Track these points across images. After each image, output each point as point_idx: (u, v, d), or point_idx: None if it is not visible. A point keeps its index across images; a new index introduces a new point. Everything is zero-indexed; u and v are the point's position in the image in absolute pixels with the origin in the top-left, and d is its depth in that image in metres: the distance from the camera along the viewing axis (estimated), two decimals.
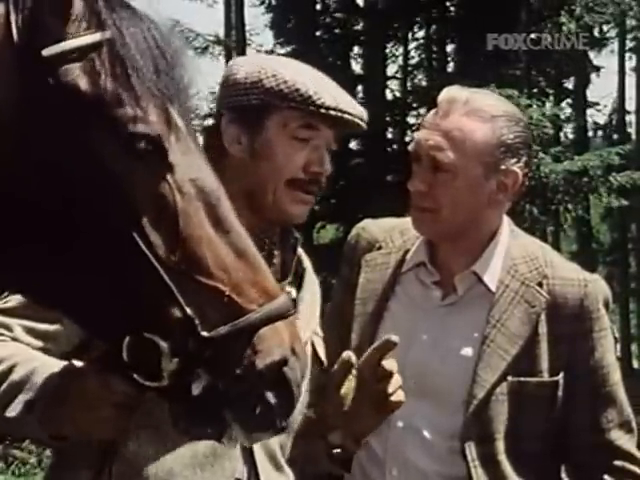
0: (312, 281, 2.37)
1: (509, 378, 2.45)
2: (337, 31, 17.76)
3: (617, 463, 2.51)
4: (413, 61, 19.17)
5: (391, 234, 2.63)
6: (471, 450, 2.42)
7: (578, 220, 20.64)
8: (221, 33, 23.60)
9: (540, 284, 2.50)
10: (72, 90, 1.58)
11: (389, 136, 17.50)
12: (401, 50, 18.93)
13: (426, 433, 2.46)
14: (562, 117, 18.63)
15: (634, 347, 30.62)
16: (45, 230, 1.59)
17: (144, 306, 1.61)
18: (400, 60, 19.06)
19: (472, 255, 2.52)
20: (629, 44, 29.83)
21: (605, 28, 25.03)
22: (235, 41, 22.06)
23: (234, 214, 1.69)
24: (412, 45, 18.82)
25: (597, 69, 26.37)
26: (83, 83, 1.59)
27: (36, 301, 1.83)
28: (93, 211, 1.58)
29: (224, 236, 1.65)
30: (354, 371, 2.22)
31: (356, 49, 19.02)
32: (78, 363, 1.93)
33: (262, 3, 18.72)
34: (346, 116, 2.20)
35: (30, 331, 2.08)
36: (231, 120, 2.21)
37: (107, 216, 1.59)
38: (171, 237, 1.61)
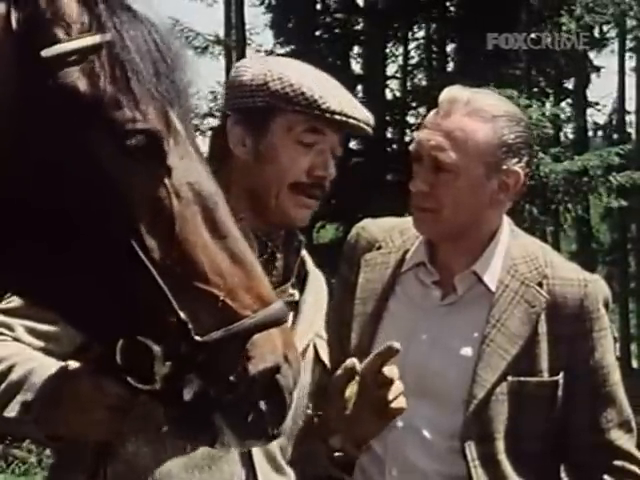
0: (317, 284, 2.37)
1: (509, 378, 2.45)
2: (337, 31, 17.73)
3: (617, 463, 2.51)
4: (413, 61, 19.15)
5: (391, 234, 2.63)
6: (471, 450, 2.42)
7: (578, 220, 20.64)
8: (221, 33, 23.62)
9: (540, 284, 2.50)
10: (71, 92, 1.58)
11: (389, 136, 17.49)
12: (401, 50, 18.91)
13: (426, 433, 2.46)
14: (562, 117, 18.62)
15: (634, 347, 30.64)
16: (41, 231, 1.59)
17: (138, 309, 1.61)
18: (400, 60, 19.04)
19: (472, 255, 2.52)
20: (629, 44, 29.86)
21: (605, 28, 25.08)
22: (235, 41, 22.05)
23: (232, 219, 1.68)
24: (412, 45, 18.81)
25: (597, 69, 26.37)
26: (82, 85, 1.58)
27: (32, 302, 1.83)
28: (89, 213, 1.58)
29: (220, 241, 1.64)
30: (357, 377, 2.22)
31: (356, 49, 19.02)
32: (73, 365, 1.93)
33: (262, 3, 18.70)
34: (351, 121, 2.20)
35: (32, 331, 2.08)
36: (236, 121, 2.21)
37: (103, 218, 1.58)
38: (167, 241, 1.60)
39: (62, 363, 1.97)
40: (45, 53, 1.57)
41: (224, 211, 1.67)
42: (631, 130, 30.56)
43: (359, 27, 18.17)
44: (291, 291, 2.27)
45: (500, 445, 2.44)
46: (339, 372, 2.24)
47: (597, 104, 28.90)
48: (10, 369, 2.00)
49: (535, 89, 16.81)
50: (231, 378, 1.61)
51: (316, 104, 2.16)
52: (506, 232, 2.56)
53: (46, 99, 1.58)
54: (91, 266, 1.59)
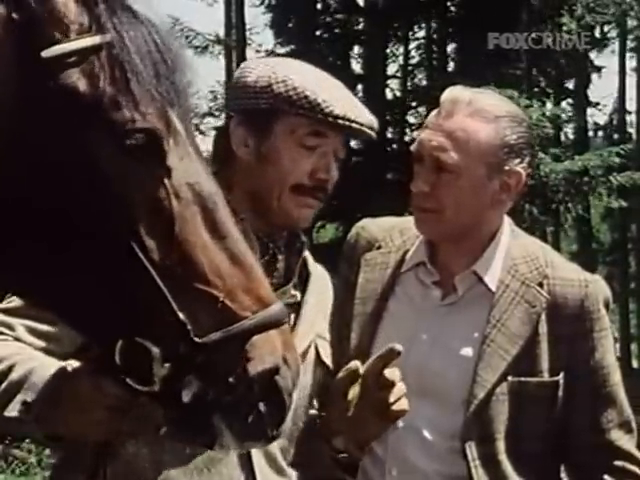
0: (321, 283, 2.37)
1: (509, 378, 2.44)
2: (337, 31, 17.73)
3: (617, 463, 2.51)
4: (413, 61, 19.15)
5: (391, 233, 2.62)
6: (471, 450, 2.42)
7: (578, 220, 20.62)
8: (221, 32, 23.59)
9: (540, 284, 2.50)
10: (71, 92, 1.58)
11: (389, 135, 17.49)
12: (401, 50, 18.91)
13: (426, 433, 2.45)
14: (563, 117, 18.61)
15: (634, 347, 30.65)
16: (41, 231, 1.59)
17: (137, 310, 1.61)
18: (400, 60, 19.03)
19: (473, 255, 2.52)
20: (630, 44, 29.87)
21: (606, 28, 25.08)
22: (235, 40, 22.03)
23: (232, 219, 1.68)
24: (412, 45, 18.81)
25: (598, 69, 26.37)
26: (82, 85, 1.59)
27: (31, 302, 1.83)
28: (89, 213, 1.58)
29: (220, 242, 1.64)
30: (360, 379, 2.22)
31: (356, 49, 19.03)
32: (73, 365, 1.93)
33: (262, 3, 18.69)
34: (355, 125, 2.20)
35: (32, 331, 2.08)
36: (239, 122, 2.22)
37: (103, 219, 1.58)
38: (166, 241, 1.60)
39: (62, 363, 1.97)
40: (45, 54, 1.57)
41: (224, 212, 1.67)
42: (631, 130, 30.60)
43: (359, 27, 18.17)
44: (292, 292, 2.27)
45: (500, 445, 2.44)
46: (341, 374, 2.24)
47: (598, 104, 28.89)
48: (10, 369, 2.00)
49: (536, 89, 16.81)
50: (230, 379, 1.61)
51: (319, 108, 2.16)
52: (507, 232, 2.56)
53: (46, 99, 1.58)
54: (90, 266, 1.59)
